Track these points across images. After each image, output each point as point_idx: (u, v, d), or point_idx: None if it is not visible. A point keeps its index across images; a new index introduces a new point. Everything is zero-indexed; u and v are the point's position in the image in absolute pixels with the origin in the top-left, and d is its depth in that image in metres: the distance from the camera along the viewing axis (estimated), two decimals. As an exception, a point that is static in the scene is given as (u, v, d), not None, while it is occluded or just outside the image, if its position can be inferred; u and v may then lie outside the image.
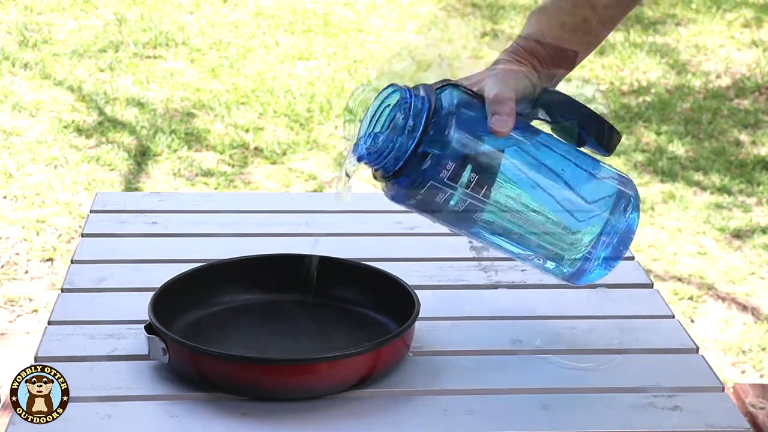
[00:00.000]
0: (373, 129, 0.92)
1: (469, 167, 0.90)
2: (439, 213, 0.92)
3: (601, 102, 0.97)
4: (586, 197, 0.93)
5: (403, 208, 1.33)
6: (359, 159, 0.92)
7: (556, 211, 0.93)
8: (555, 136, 0.95)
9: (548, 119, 0.94)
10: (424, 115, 0.88)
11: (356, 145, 0.93)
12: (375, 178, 0.92)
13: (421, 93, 0.89)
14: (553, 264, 0.95)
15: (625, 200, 0.94)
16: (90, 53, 3.75)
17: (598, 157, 0.95)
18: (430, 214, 0.93)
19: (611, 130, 0.93)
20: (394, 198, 0.92)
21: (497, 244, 0.95)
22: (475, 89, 0.92)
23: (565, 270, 0.95)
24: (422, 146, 0.88)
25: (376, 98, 0.92)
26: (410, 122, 0.88)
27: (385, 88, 0.92)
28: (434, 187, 0.90)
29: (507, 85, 0.91)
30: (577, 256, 0.94)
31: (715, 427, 0.90)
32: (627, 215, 0.94)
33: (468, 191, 0.90)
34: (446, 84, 0.91)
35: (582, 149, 0.94)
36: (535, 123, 0.95)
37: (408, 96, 0.89)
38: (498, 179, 0.91)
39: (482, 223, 0.93)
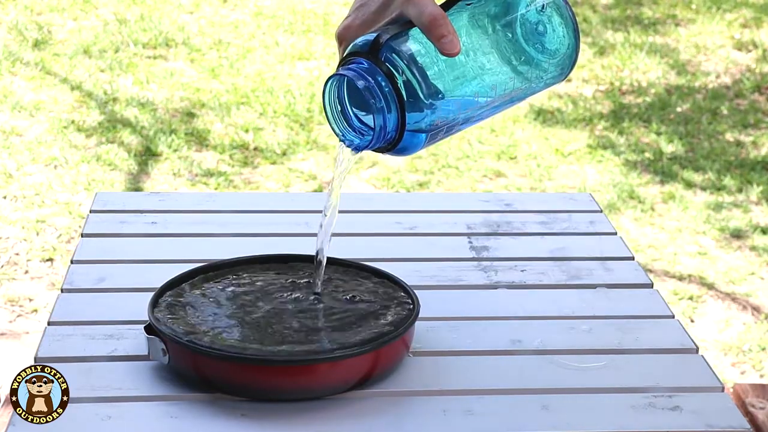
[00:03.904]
0: (348, 120, 0.92)
1: (451, 99, 0.90)
2: (443, 136, 0.93)
3: None
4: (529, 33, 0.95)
5: (403, 208, 1.33)
6: (357, 149, 0.92)
7: (522, 60, 0.94)
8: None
9: None
10: (389, 86, 0.87)
11: (343, 139, 0.93)
12: (373, 150, 0.93)
13: (367, 66, 0.88)
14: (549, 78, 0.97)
15: (552, 9, 0.95)
16: (90, 53, 3.75)
17: None
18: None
19: None
20: (401, 154, 0.93)
21: (499, 110, 0.97)
22: (399, 22, 0.90)
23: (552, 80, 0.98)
24: (406, 113, 0.88)
25: (325, 94, 0.91)
26: (381, 101, 0.87)
27: (328, 81, 0.90)
28: (433, 133, 0.91)
29: (429, 2, 0.89)
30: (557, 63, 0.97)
31: (715, 427, 0.90)
32: (561, 14, 0.95)
33: (460, 112, 0.91)
34: (380, 43, 0.88)
35: None
36: None
37: (363, 78, 0.87)
38: (476, 75, 0.91)
39: (482, 110, 0.94)
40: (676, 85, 3.78)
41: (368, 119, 0.90)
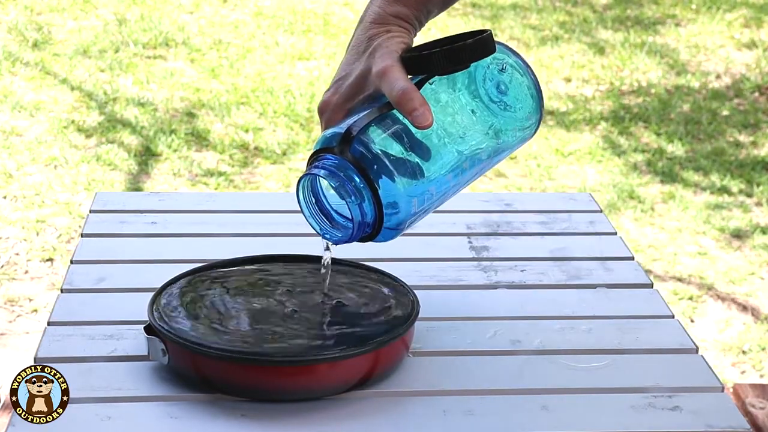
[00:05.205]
0: (326, 214, 0.93)
1: (426, 180, 0.90)
2: (422, 216, 0.93)
3: None
4: (499, 99, 0.95)
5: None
6: (337, 243, 0.93)
7: (496, 126, 0.95)
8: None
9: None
10: (363, 180, 0.87)
11: (324, 235, 0.94)
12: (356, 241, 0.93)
13: (337, 163, 0.88)
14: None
15: (512, 68, 0.95)
16: (90, 53, 3.75)
17: None
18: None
19: (477, 44, 0.90)
20: (384, 240, 0.93)
21: (472, 181, 0.96)
22: (374, 98, 0.91)
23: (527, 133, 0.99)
24: (383, 202, 0.88)
25: (299, 193, 0.92)
26: (356, 198, 0.88)
27: (301, 180, 0.91)
28: (411, 220, 0.91)
29: (400, 75, 0.88)
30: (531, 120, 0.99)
31: (715, 428, 0.90)
32: (522, 73, 0.96)
33: (441, 191, 0.92)
34: (350, 137, 0.88)
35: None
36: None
37: (335, 176, 0.88)
38: (451, 152, 0.91)
39: (456, 186, 0.94)
40: (676, 85, 3.78)
41: (346, 210, 0.90)
